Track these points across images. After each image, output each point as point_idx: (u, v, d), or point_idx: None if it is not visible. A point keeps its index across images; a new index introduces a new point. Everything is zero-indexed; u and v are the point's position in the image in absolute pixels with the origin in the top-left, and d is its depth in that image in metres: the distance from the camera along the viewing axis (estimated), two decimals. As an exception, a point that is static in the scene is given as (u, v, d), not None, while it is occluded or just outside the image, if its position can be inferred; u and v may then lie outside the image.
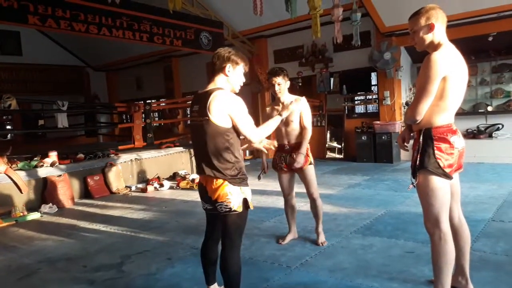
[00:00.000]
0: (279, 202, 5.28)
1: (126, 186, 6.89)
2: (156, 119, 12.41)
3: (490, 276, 2.72)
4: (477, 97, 8.13)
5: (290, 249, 3.49)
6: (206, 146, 2.20)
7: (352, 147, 8.73)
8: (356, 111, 9.61)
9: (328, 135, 9.54)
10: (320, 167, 7.74)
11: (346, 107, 9.30)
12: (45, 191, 5.87)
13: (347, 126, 9.09)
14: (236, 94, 2.28)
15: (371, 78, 9.07)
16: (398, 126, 8.08)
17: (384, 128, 8.14)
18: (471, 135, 7.69)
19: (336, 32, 6.62)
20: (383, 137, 8.09)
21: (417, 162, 2.21)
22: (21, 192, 5.12)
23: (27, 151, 7.32)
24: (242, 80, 2.34)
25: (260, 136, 2.33)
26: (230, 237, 2.25)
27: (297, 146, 3.43)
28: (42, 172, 5.94)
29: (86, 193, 6.46)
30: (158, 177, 7.24)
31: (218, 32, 8.75)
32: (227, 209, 2.21)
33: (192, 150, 7.87)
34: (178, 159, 8.12)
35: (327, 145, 9.43)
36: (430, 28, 2.18)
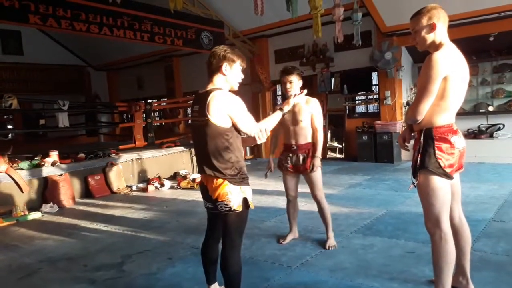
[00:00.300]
0: (280, 202, 5.28)
1: (127, 186, 6.89)
2: (157, 118, 12.41)
3: (491, 276, 2.72)
4: (478, 97, 8.11)
5: (291, 249, 3.49)
6: (207, 146, 2.21)
7: (353, 147, 8.73)
8: (357, 111, 9.60)
9: (329, 135, 9.55)
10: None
11: (347, 107, 9.30)
12: (46, 191, 5.88)
13: (348, 126, 9.09)
14: (237, 94, 2.28)
15: (372, 78, 9.06)
16: (399, 126, 8.08)
17: (385, 128, 8.14)
18: (472, 135, 7.68)
19: (337, 31, 6.62)
20: (384, 137, 8.09)
21: (418, 162, 2.21)
22: (22, 192, 5.13)
23: (28, 150, 7.33)
24: (240, 77, 2.32)
25: (262, 130, 2.29)
26: (231, 236, 2.26)
27: (304, 147, 3.40)
28: (43, 171, 5.95)
29: (87, 192, 6.47)
30: (159, 177, 7.24)
31: (219, 31, 8.76)
32: (227, 208, 2.21)
33: (193, 150, 7.87)
34: (179, 158, 8.13)
35: (328, 145, 9.43)
36: (431, 28, 2.17)
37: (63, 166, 6.25)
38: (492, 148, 7.36)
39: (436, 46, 2.19)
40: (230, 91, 2.29)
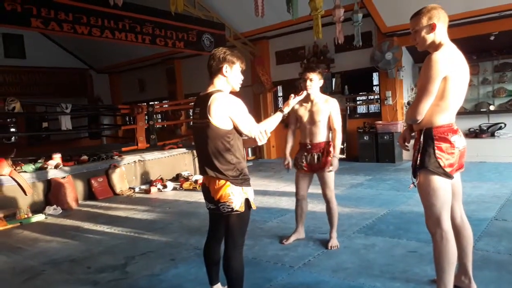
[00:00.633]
0: (282, 202, 5.30)
1: (129, 188, 6.92)
2: (159, 120, 12.43)
3: (493, 275, 2.73)
4: (479, 97, 8.11)
5: (293, 249, 3.50)
6: (208, 148, 2.23)
7: (354, 147, 8.73)
8: (358, 111, 9.60)
9: (331, 135, 9.53)
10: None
11: (348, 107, 9.30)
12: (49, 193, 5.91)
13: (349, 126, 9.09)
14: (238, 95, 2.30)
15: (373, 78, 9.06)
16: (400, 126, 8.08)
17: (386, 128, 8.14)
18: (473, 134, 7.67)
19: (337, 32, 6.63)
20: (385, 137, 8.09)
21: (418, 161, 2.22)
22: (26, 194, 5.18)
23: (31, 153, 7.36)
24: (240, 78, 2.34)
25: (262, 132, 2.30)
26: (233, 237, 2.27)
27: (318, 146, 3.42)
28: (46, 174, 5.98)
29: (90, 194, 6.49)
30: (162, 178, 7.26)
31: (220, 33, 8.78)
32: (229, 209, 2.23)
33: (195, 151, 7.89)
34: (181, 160, 8.15)
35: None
36: (431, 28, 2.18)
37: (66, 168, 6.28)
38: (494, 147, 7.35)
39: (436, 46, 2.20)
40: (231, 92, 2.32)
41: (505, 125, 7.50)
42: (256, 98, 10.28)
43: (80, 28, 6.51)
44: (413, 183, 2.27)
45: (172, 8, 6.83)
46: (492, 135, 7.54)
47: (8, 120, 11.11)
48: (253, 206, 2.31)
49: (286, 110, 2.55)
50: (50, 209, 5.61)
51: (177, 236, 4.18)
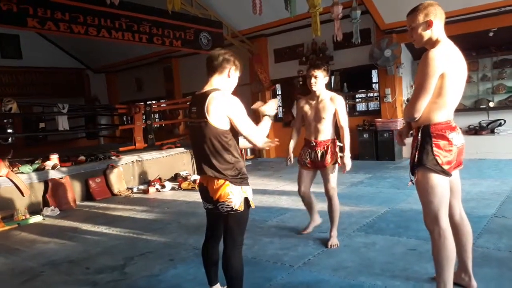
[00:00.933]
0: (281, 202, 5.28)
1: (127, 188, 6.89)
2: (157, 120, 12.41)
3: (494, 272, 2.71)
4: (478, 93, 8.10)
5: (293, 249, 3.48)
6: (206, 147, 2.21)
7: (354, 145, 8.64)
8: (357, 109, 9.58)
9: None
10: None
11: (347, 105, 9.27)
12: (46, 194, 5.87)
13: (349, 124, 8.97)
14: (236, 94, 2.28)
15: (372, 75, 9.04)
16: (400, 123, 8.06)
17: (385, 126, 8.12)
18: (473, 131, 7.66)
19: (336, 30, 6.60)
20: (385, 135, 8.08)
21: (416, 159, 2.21)
22: (23, 195, 5.16)
23: (28, 154, 7.33)
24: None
25: (262, 137, 2.30)
26: (232, 236, 2.26)
27: (322, 143, 3.43)
28: (44, 175, 5.95)
29: (87, 195, 6.46)
30: (160, 178, 7.23)
31: (218, 32, 8.74)
32: (229, 209, 2.21)
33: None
34: (180, 160, 8.12)
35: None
36: (428, 25, 2.16)
37: (64, 169, 6.24)
38: (493, 144, 7.33)
39: (433, 43, 2.19)
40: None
41: (504, 121, 7.49)
42: (255, 96, 10.25)
43: (76, 27, 6.47)
44: (411, 180, 2.26)
45: (169, 7, 6.80)
46: (492, 131, 7.53)
47: (5, 121, 11.05)
48: (252, 205, 2.30)
49: (273, 113, 2.43)
50: (47, 210, 5.58)
51: (176, 236, 4.16)
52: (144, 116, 8.01)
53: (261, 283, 2.84)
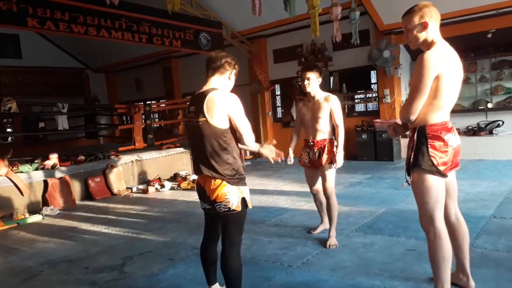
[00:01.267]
0: (280, 202, 5.29)
1: (127, 188, 6.89)
2: (156, 120, 12.41)
3: (492, 272, 2.72)
4: (477, 94, 8.12)
5: (292, 249, 3.49)
6: (204, 147, 2.22)
7: (353, 146, 8.72)
8: (356, 109, 9.59)
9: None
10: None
11: (346, 105, 9.29)
12: (46, 193, 5.87)
13: (347, 124, 8.96)
14: (235, 94, 2.29)
15: (371, 76, 9.06)
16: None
17: (384, 126, 8.12)
18: (471, 132, 7.68)
19: (335, 31, 6.61)
20: (384, 135, 8.09)
21: (411, 160, 2.23)
22: (22, 195, 5.14)
23: (28, 153, 7.33)
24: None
25: (252, 139, 2.31)
26: (230, 236, 2.27)
27: (319, 143, 3.50)
28: (43, 174, 5.95)
29: (87, 194, 6.46)
30: (159, 178, 7.24)
31: (217, 32, 8.75)
32: (226, 209, 2.22)
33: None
34: (179, 159, 8.12)
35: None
36: (424, 26, 2.17)
37: (63, 168, 6.25)
38: (492, 145, 7.35)
39: (428, 44, 2.20)
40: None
41: (503, 122, 7.51)
42: (254, 97, 10.26)
43: (76, 27, 6.47)
44: (407, 181, 2.28)
45: (169, 7, 6.80)
46: (490, 132, 7.55)
47: (5, 120, 11.03)
48: (249, 205, 2.31)
49: (266, 153, 2.44)
50: (47, 210, 5.58)
51: (175, 236, 4.16)
52: (143, 116, 8.01)
53: (260, 283, 2.85)
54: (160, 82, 12.46)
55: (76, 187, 6.35)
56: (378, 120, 8.35)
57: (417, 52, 2.25)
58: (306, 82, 3.43)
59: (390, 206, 4.63)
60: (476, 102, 8.03)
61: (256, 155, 10.20)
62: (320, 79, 3.48)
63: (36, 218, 5.31)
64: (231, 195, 2.21)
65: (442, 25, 2.25)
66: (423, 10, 2.17)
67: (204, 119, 2.17)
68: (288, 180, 6.76)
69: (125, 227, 4.65)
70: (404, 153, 8.08)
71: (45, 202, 5.81)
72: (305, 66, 3.54)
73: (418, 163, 2.18)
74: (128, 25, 7.14)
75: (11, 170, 5.35)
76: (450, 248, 2.21)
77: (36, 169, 5.97)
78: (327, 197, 3.51)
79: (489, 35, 7.28)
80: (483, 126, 7.65)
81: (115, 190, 6.66)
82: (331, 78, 9.31)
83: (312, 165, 3.57)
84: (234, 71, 2.34)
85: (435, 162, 2.15)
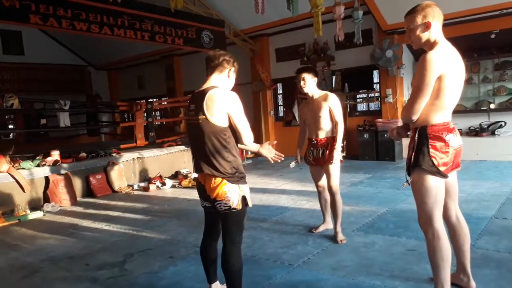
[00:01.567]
0: (281, 200, 5.29)
1: (128, 185, 6.90)
2: (158, 117, 12.42)
3: (493, 273, 2.72)
4: (479, 95, 8.09)
5: (292, 247, 3.49)
6: (204, 145, 2.22)
7: (354, 145, 8.72)
8: (358, 109, 9.58)
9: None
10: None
11: (348, 105, 9.28)
12: (47, 190, 5.88)
13: (349, 124, 9.05)
14: (236, 93, 2.29)
15: (373, 76, 9.04)
16: (400, 124, 8.05)
17: (386, 126, 8.11)
18: (473, 132, 7.66)
19: (337, 30, 6.60)
20: (385, 135, 8.05)
21: (412, 160, 2.22)
22: (24, 191, 5.17)
23: (29, 150, 7.35)
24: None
25: (251, 138, 2.30)
26: (231, 235, 2.27)
27: (322, 141, 3.55)
28: (45, 171, 5.96)
29: (88, 192, 6.48)
30: (160, 176, 7.25)
31: (220, 30, 8.75)
32: (227, 207, 2.22)
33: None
34: (180, 157, 8.13)
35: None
36: (426, 26, 2.16)
37: (65, 165, 6.26)
38: (494, 146, 7.33)
39: (431, 45, 2.19)
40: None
41: (505, 123, 7.49)
42: (256, 95, 10.25)
43: (79, 24, 6.48)
44: (407, 181, 2.27)
45: (172, 5, 6.80)
46: (493, 133, 7.53)
47: (6, 116, 11.06)
48: (250, 204, 2.31)
49: (264, 153, 2.49)
50: (48, 206, 5.59)
51: (176, 233, 4.17)
52: (145, 114, 8.03)
53: (261, 281, 2.85)
54: (162, 80, 12.46)
55: (77, 184, 6.36)
56: (380, 119, 8.34)
57: (420, 52, 2.24)
58: (302, 83, 3.52)
59: (391, 206, 4.63)
60: (478, 103, 8.01)
61: (257, 154, 10.20)
62: (315, 79, 3.55)
63: (37, 215, 5.32)
64: (231, 194, 2.21)
65: (445, 25, 2.24)
66: (426, 10, 2.16)
67: (204, 117, 2.17)
68: (289, 179, 6.76)
69: (126, 224, 4.65)
70: (405, 153, 8.05)
71: (47, 199, 5.83)
72: (298, 68, 3.62)
73: (418, 163, 2.18)
74: (130, 22, 7.15)
75: (13, 166, 5.37)
76: (449, 249, 2.21)
77: (38, 165, 5.98)
78: (332, 195, 3.56)
79: (493, 36, 7.25)
80: (485, 127, 7.63)
81: (116, 188, 6.67)
82: (334, 77, 9.29)
83: (316, 163, 3.62)
84: (233, 68, 2.34)
85: (435, 163, 2.15)
